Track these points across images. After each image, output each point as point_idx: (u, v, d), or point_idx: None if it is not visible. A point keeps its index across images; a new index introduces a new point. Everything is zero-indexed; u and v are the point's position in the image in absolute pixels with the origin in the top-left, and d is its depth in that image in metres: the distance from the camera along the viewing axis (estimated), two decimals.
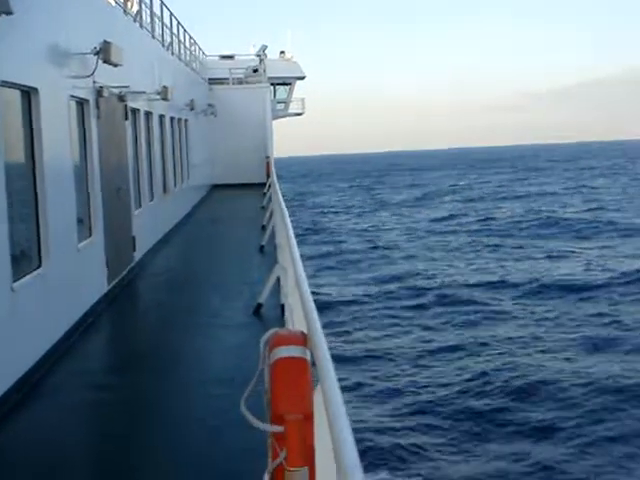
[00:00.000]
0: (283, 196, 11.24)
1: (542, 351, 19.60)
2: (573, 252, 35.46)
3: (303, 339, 3.10)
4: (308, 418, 2.89)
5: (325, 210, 64.35)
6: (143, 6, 15.51)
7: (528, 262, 33.25)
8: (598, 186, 75.53)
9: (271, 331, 3.17)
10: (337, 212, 62.82)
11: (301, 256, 5.29)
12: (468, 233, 44.48)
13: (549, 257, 34.40)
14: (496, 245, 38.82)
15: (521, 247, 37.96)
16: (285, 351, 3.01)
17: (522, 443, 13.96)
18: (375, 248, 39.86)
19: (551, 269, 30.58)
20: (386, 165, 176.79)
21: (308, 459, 2.90)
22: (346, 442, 1.95)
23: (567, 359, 18.78)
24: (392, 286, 28.69)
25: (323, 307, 23.04)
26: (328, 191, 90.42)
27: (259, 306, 9.03)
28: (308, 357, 3.02)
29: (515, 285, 27.88)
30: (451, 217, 53.81)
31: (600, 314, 23.02)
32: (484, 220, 50.21)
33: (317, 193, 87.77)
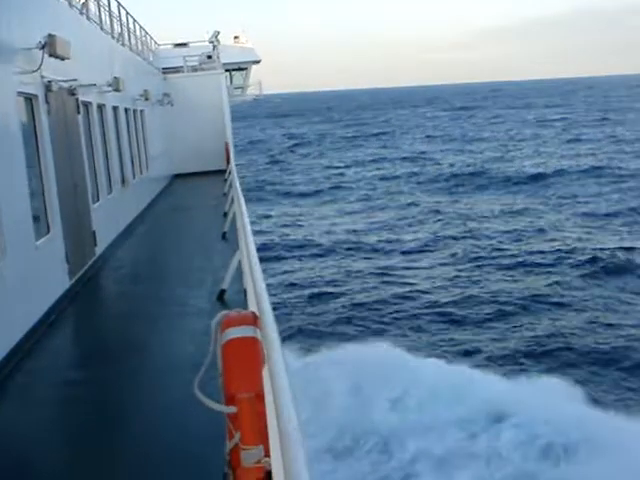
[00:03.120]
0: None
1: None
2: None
3: (253, 319, 3.14)
4: (260, 397, 2.93)
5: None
6: None
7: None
8: None
9: (221, 313, 3.21)
10: None
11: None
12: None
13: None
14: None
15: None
16: (236, 332, 3.05)
17: None
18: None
19: None
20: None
21: (263, 437, 2.94)
22: (290, 419, 1.98)
23: None
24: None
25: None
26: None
27: (222, 292, 9.05)
28: (259, 336, 3.06)
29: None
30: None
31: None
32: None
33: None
